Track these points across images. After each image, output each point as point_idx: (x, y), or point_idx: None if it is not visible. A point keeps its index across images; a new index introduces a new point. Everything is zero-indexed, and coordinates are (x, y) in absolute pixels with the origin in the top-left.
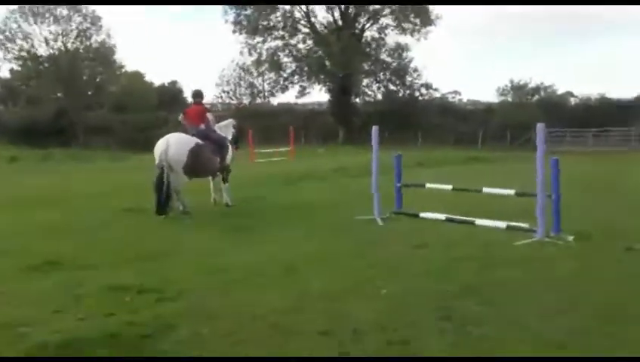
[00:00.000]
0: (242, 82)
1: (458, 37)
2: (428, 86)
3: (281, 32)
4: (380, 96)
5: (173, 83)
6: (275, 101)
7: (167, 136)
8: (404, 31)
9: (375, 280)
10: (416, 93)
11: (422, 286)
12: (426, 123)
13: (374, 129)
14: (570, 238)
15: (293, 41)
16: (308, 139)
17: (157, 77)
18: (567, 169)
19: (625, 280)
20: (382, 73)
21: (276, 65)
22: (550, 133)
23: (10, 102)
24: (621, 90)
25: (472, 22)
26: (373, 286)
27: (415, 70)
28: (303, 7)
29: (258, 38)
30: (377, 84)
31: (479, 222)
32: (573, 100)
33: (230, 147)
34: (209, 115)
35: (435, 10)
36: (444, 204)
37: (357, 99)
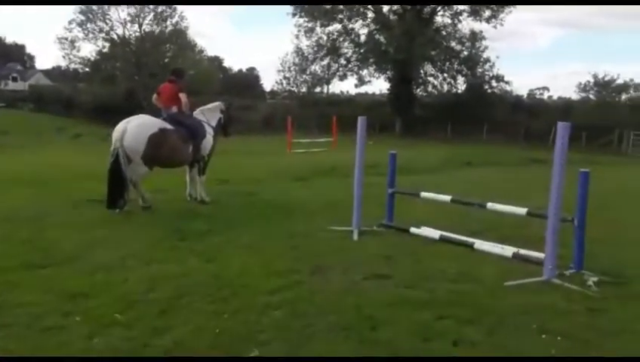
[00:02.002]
0: (299, 68)
1: (538, 25)
2: (499, 78)
3: (342, 16)
4: (445, 87)
5: (251, 69)
6: (337, 90)
7: (128, 119)
8: (479, 17)
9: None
10: (486, 86)
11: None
12: (495, 118)
13: (360, 119)
14: (592, 281)
15: (353, 26)
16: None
17: (236, 63)
18: (633, 180)
19: None
20: (448, 62)
21: (334, 51)
22: (637, 137)
23: (88, 82)
24: None
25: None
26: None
27: (487, 61)
28: None
29: (317, 22)
30: (443, 74)
31: (479, 245)
32: None
33: (209, 135)
34: (182, 96)
35: None
36: (462, 218)
37: (418, 90)
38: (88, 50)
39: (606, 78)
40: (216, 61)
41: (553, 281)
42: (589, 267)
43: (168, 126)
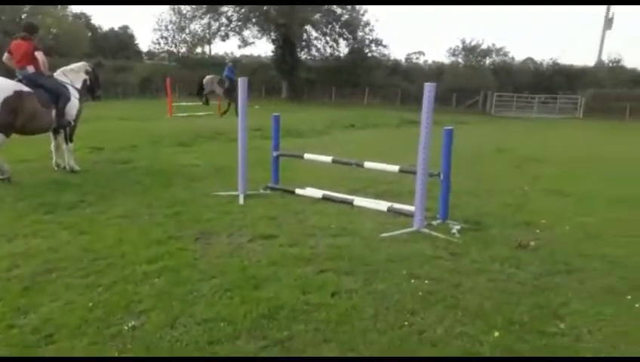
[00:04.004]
0: (177, 27)
1: None
2: (378, 42)
3: None
4: (328, 50)
5: (124, 28)
6: (220, 51)
7: None
8: None
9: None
10: (366, 50)
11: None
12: (375, 82)
13: (241, 80)
14: (456, 229)
15: None
16: (249, 93)
17: (106, 21)
18: (493, 137)
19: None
20: (330, 25)
21: (214, 9)
22: (499, 98)
23: None
24: (575, 57)
25: None
26: None
27: (367, 24)
28: None
29: None
30: (326, 38)
31: (358, 201)
32: (525, 65)
33: (74, 98)
34: (39, 55)
35: None
36: (343, 177)
37: (302, 53)
38: None
39: (472, 43)
40: (83, 18)
41: (422, 231)
42: (453, 216)
43: (25, 88)
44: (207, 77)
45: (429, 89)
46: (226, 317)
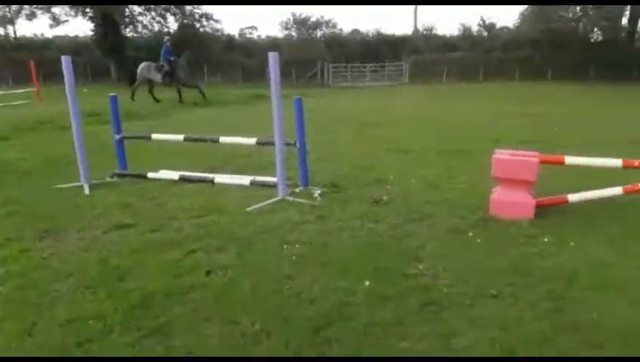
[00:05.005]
0: None
1: None
2: (208, 16)
3: None
4: (156, 27)
5: None
6: (28, 32)
7: None
8: None
9: None
10: (197, 25)
11: None
12: (212, 58)
13: (65, 59)
14: (317, 193)
15: None
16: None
17: None
18: (335, 107)
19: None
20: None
21: None
22: (335, 69)
23: None
24: (396, 27)
25: None
26: None
27: None
28: None
29: None
30: (152, 13)
31: (219, 179)
32: (353, 36)
33: None
34: None
35: None
36: (199, 157)
37: (127, 30)
38: None
39: (302, 16)
40: None
41: (287, 199)
42: (313, 182)
43: None
44: (142, 64)
45: (272, 58)
46: (94, 314)
